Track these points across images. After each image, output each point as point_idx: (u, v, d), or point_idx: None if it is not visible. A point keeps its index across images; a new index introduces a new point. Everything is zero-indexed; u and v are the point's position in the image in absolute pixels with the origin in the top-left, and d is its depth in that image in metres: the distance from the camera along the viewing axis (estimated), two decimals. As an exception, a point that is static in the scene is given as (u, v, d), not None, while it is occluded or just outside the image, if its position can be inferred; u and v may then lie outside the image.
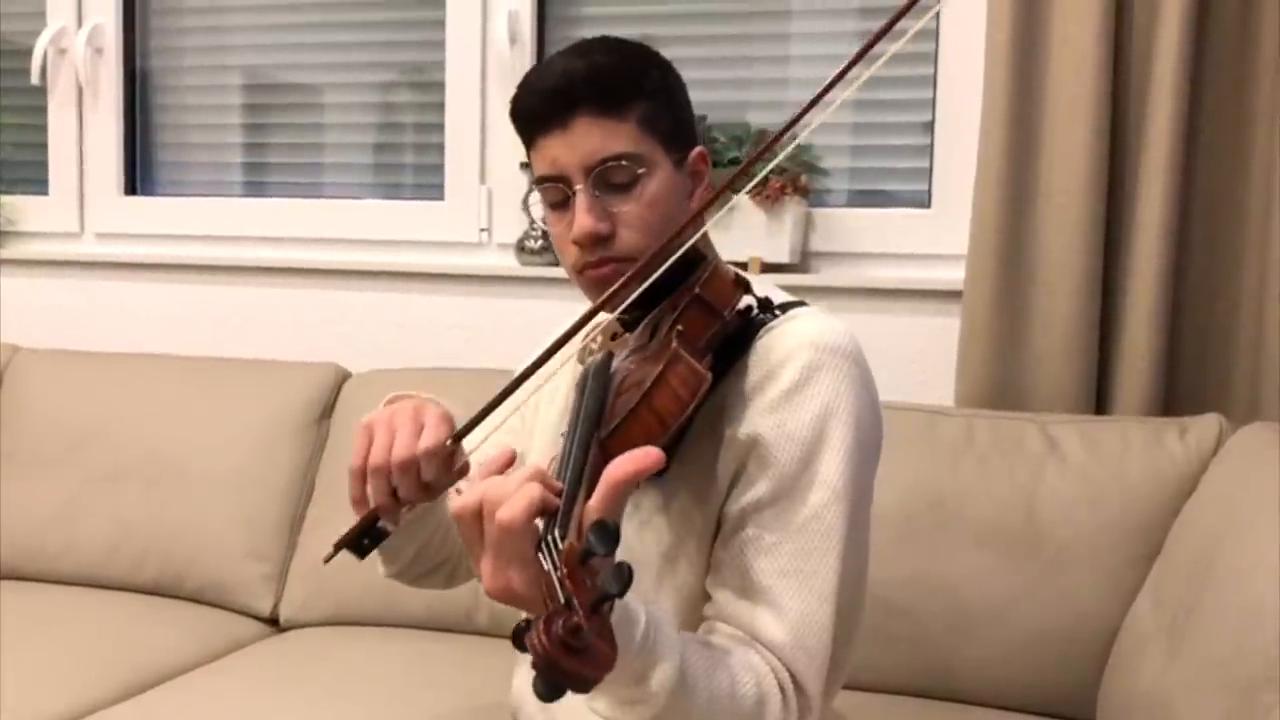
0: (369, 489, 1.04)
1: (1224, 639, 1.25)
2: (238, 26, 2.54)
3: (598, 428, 0.93)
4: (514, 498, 0.81)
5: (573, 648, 0.68)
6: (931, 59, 2.10)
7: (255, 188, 2.57)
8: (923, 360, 2.04)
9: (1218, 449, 1.65)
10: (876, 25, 2.14)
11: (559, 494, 0.83)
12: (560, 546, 0.76)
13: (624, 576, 0.70)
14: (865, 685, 1.66)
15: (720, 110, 2.20)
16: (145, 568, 2.13)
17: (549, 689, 0.69)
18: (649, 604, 0.92)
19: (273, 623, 2.07)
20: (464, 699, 1.64)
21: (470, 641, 1.91)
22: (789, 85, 2.23)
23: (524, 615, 0.81)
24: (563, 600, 0.71)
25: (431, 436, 1.02)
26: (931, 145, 2.11)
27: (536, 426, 1.27)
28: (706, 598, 1.08)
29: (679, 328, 0.99)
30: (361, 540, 1.06)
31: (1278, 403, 1.77)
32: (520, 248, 2.26)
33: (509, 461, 0.91)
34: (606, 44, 1.14)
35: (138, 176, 2.63)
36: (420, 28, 2.41)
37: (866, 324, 2.04)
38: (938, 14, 1.08)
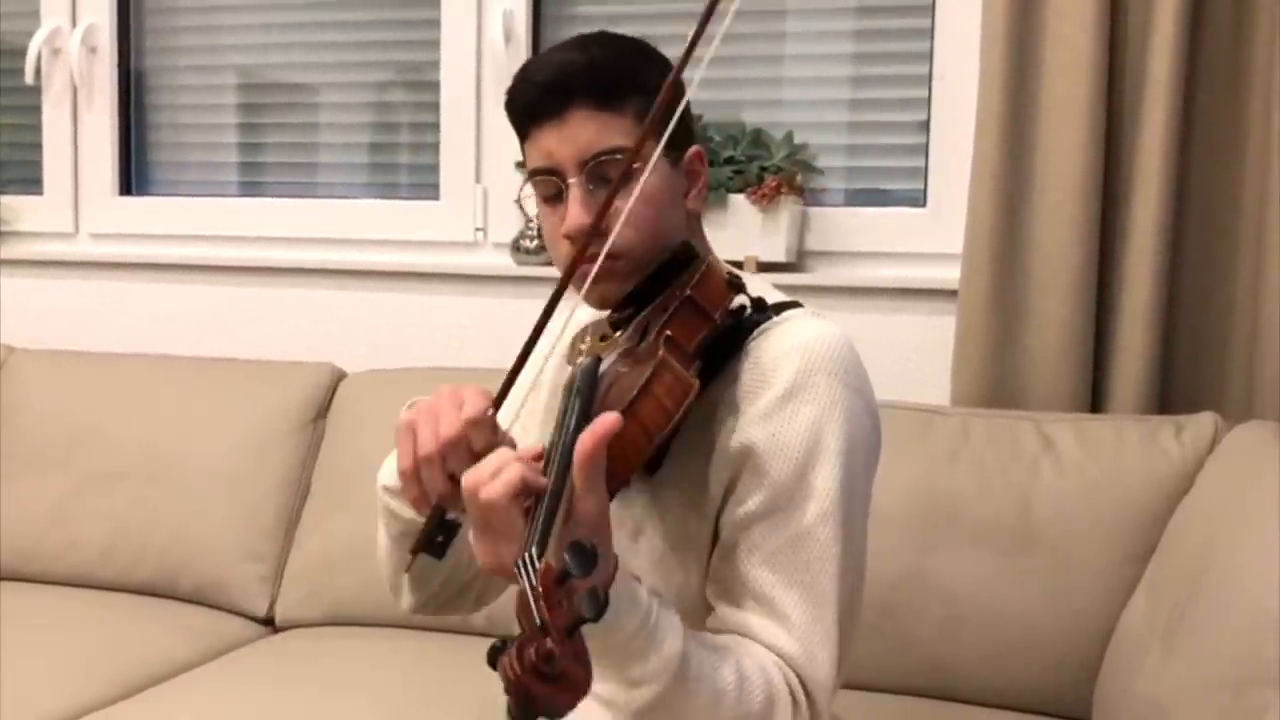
0: (425, 482, 0.99)
1: (1219, 637, 1.25)
2: (232, 26, 2.54)
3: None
4: (497, 479, 0.87)
5: (545, 674, 0.70)
6: (927, 58, 2.10)
7: (250, 187, 2.57)
8: (918, 359, 2.04)
9: (1213, 447, 1.65)
10: (872, 24, 2.15)
11: (542, 488, 0.87)
12: (537, 565, 0.77)
13: (599, 601, 0.71)
14: (860, 684, 1.66)
15: (716, 110, 2.20)
16: (141, 567, 2.12)
17: (522, 714, 0.72)
18: (657, 596, 0.93)
19: (268, 623, 2.07)
20: (459, 700, 1.64)
21: (465, 641, 1.90)
22: (784, 84, 2.23)
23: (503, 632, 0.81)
24: (538, 622, 0.72)
25: (472, 406, 0.99)
26: (927, 144, 2.11)
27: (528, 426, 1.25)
28: (707, 608, 1.07)
29: (668, 332, 0.98)
30: (435, 538, 1.02)
31: (1273, 401, 1.77)
32: (515, 247, 2.26)
33: (537, 456, 0.93)
34: (606, 38, 1.13)
35: (132, 176, 2.62)
36: (415, 27, 2.41)
37: (862, 323, 2.04)
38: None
